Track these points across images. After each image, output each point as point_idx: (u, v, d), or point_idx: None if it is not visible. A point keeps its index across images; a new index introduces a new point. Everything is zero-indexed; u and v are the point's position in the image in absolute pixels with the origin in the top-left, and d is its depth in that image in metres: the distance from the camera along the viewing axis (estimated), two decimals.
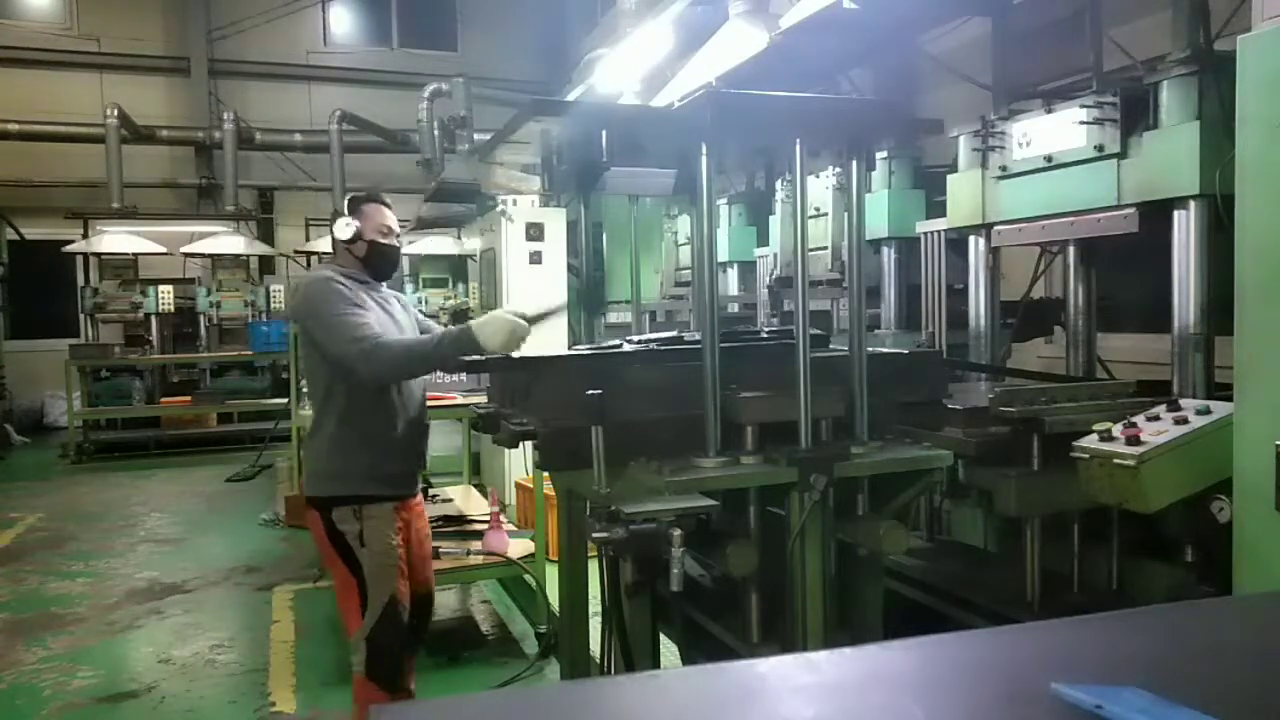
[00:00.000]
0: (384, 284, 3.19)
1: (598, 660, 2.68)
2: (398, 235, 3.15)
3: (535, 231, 6.23)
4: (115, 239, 11.52)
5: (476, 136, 8.29)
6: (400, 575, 3.03)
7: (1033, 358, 4.51)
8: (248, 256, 12.30)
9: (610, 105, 5.41)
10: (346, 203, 3.14)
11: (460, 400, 4.32)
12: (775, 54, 4.11)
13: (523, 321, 2.90)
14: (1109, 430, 2.30)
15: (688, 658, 2.61)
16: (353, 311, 2.88)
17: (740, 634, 2.29)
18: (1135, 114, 2.73)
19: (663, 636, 2.72)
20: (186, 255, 12.01)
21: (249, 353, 11.07)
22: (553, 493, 3.70)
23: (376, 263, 3.11)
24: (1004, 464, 2.53)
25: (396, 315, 3.13)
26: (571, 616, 2.91)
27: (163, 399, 11.22)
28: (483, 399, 3.34)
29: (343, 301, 2.90)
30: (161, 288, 11.52)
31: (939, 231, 3.78)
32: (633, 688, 1.13)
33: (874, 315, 4.16)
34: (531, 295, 6.03)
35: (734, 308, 6.03)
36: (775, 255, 5.15)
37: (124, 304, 11.20)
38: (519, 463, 5.88)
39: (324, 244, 12.66)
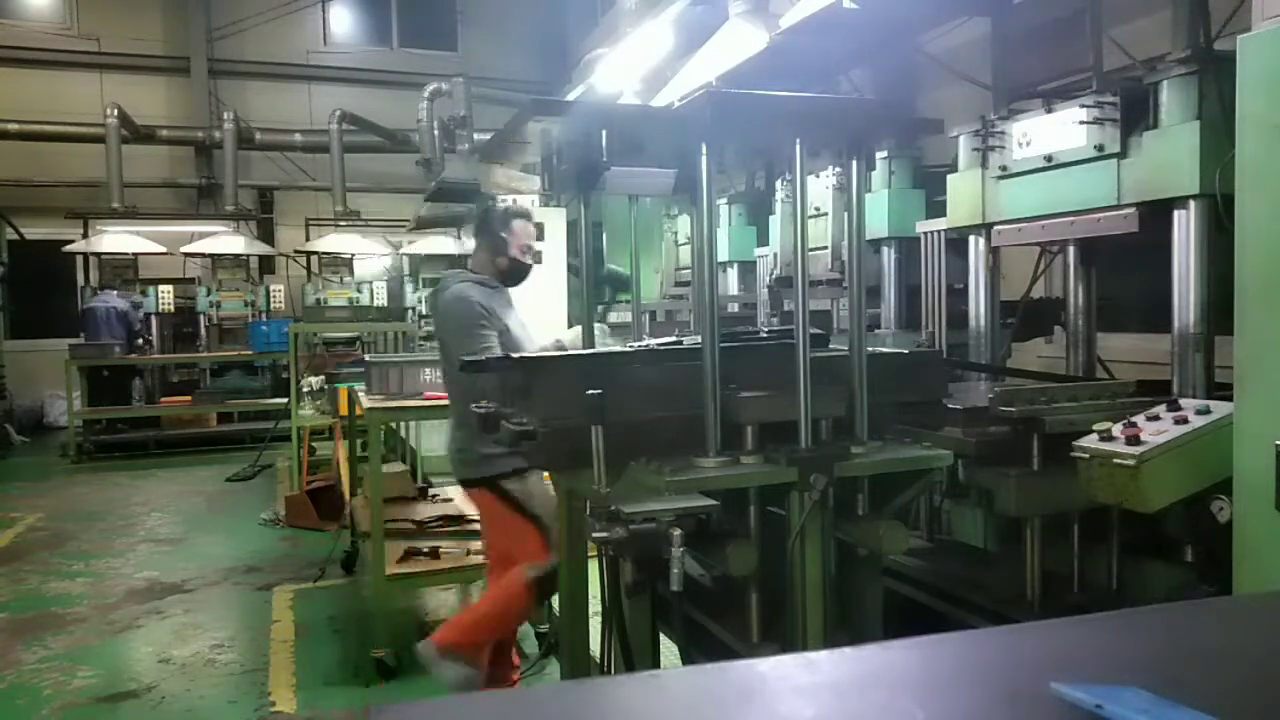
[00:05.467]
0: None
1: (598, 660, 2.68)
2: (537, 251, 3.53)
3: (535, 231, 6.22)
4: (115, 239, 11.54)
5: (476, 136, 8.28)
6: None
7: (1033, 358, 4.51)
8: (248, 256, 12.32)
9: (610, 105, 5.40)
10: (500, 212, 3.60)
11: None
12: (775, 54, 4.11)
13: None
14: (1109, 430, 2.30)
15: (688, 658, 2.61)
16: (480, 331, 3.35)
17: (740, 634, 2.29)
18: (1135, 114, 2.73)
19: (663, 636, 2.72)
20: (186, 255, 12.03)
21: (249, 353, 11.07)
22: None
23: (512, 277, 3.58)
24: (1004, 464, 2.53)
25: (521, 319, 3.60)
26: (571, 616, 2.91)
27: (163, 399, 11.22)
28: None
29: (474, 318, 3.38)
30: (161, 288, 11.53)
31: (939, 231, 3.78)
32: (633, 688, 1.13)
33: (874, 315, 4.16)
34: (531, 295, 6.03)
35: (734, 308, 6.03)
36: (775, 255, 5.15)
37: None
38: None
39: (324, 244, 12.69)
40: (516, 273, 3.61)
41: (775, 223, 5.14)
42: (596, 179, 2.75)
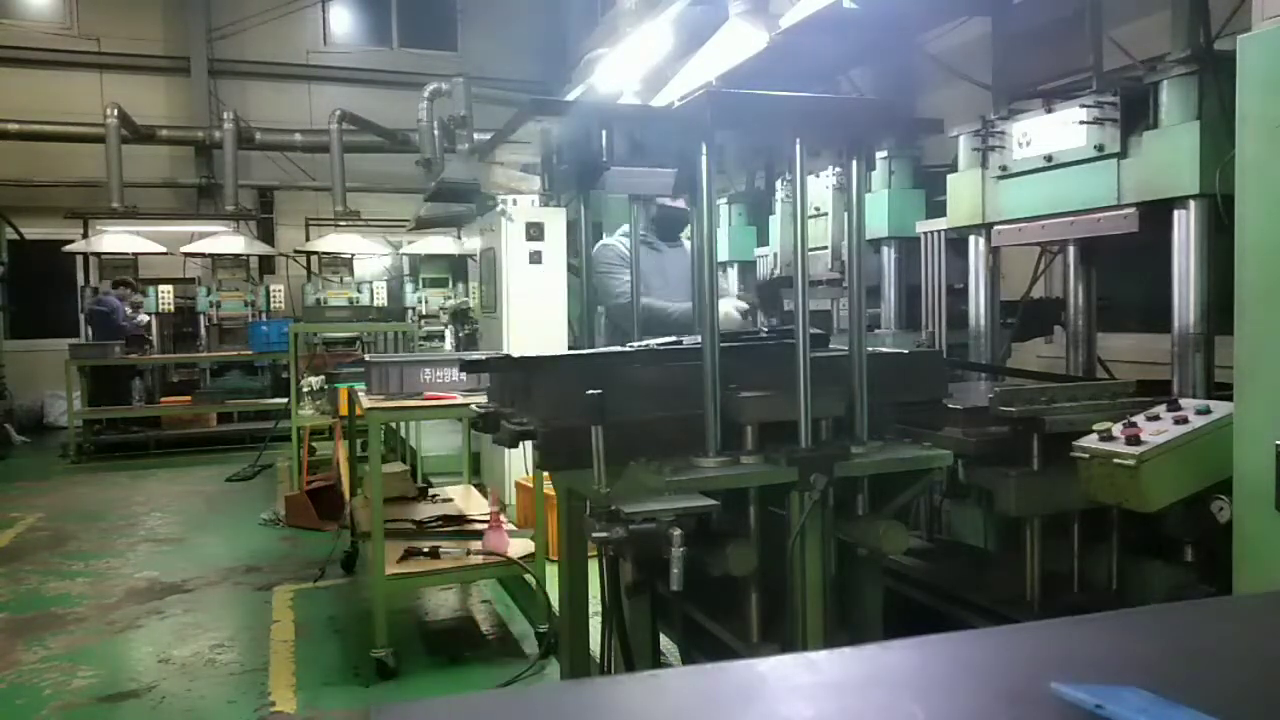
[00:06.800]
0: (672, 242, 3.80)
1: (598, 660, 2.68)
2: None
3: (535, 231, 6.22)
4: (115, 239, 11.54)
5: (476, 136, 8.28)
6: None
7: (1033, 358, 4.51)
8: (248, 256, 12.32)
9: (610, 105, 5.40)
10: None
11: (460, 400, 4.32)
12: (775, 54, 4.11)
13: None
14: (1109, 430, 2.29)
15: (688, 658, 2.61)
16: (615, 272, 3.54)
17: (740, 634, 2.29)
18: (1135, 114, 2.73)
19: (663, 636, 2.72)
20: (186, 255, 12.03)
21: (249, 353, 11.07)
22: (553, 493, 3.69)
23: (662, 223, 3.66)
24: (1004, 464, 2.53)
25: (670, 274, 3.67)
26: (571, 616, 2.91)
27: (163, 399, 11.22)
28: (483, 399, 3.34)
29: (611, 264, 3.57)
30: (161, 288, 11.53)
31: (939, 231, 3.77)
32: (633, 688, 1.13)
33: (874, 315, 4.15)
34: (531, 295, 6.04)
35: None
36: (775, 255, 5.14)
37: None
38: (519, 463, 5.88)
39: (324, 244, 12.70)
40: (665, 219, 3.79)
41: (775, 223, 5.13)
42: (596, 179, 2.76)
